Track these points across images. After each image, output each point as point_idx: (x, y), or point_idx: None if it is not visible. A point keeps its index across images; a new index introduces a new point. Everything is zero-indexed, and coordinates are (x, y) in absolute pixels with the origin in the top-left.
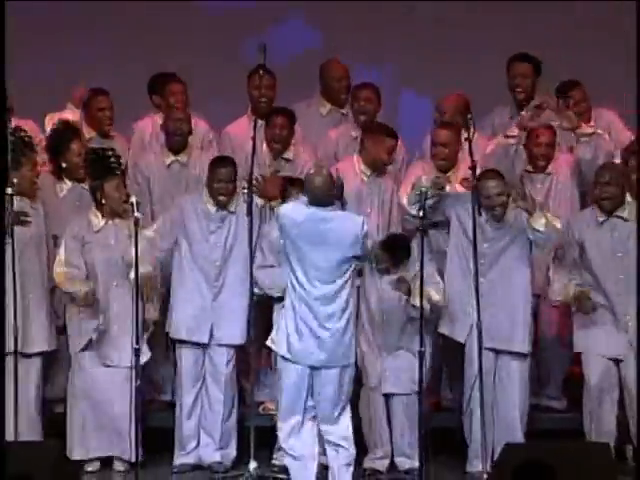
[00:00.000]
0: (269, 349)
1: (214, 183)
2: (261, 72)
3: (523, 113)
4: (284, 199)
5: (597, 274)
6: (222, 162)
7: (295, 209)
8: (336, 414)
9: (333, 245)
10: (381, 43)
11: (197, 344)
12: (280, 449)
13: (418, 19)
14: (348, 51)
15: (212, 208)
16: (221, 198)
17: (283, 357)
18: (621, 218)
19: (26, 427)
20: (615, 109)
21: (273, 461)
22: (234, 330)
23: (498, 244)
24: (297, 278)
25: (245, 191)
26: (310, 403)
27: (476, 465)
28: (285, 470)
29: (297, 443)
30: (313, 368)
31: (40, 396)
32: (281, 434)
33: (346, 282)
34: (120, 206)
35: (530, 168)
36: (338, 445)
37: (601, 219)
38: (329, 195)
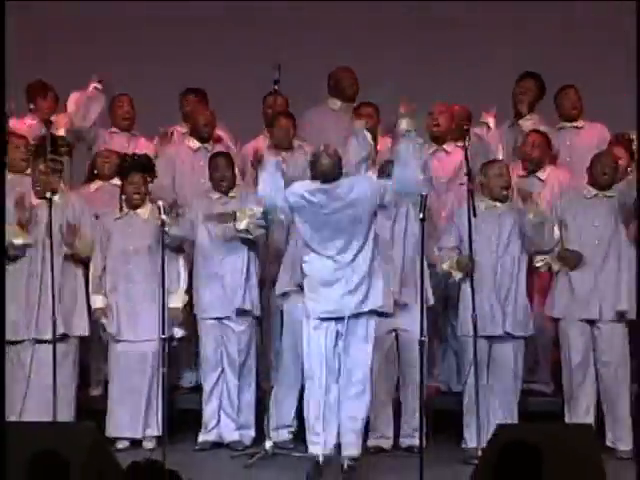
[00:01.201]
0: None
1: (215, 173)
2: (276, 87)
3: None
4: None
5: (577, 244)
6: (219, 155)
7: (304, 185)
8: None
9: (345, 209)
10: (384, 62)
11: (218, 329)
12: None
13: (419, 34)
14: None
15: (215, 195)
16: (223, 184)
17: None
18: (607, 196)
19: (61, 410)
20: (604, 123)
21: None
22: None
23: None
24: (315, 247)
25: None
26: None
27: (472, 443)
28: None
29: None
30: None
31: (75, 379)
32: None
33: (365, 243)
34: (132, 197)
35: (522, 172)
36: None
37: (589, 196)
38: (336, 172)
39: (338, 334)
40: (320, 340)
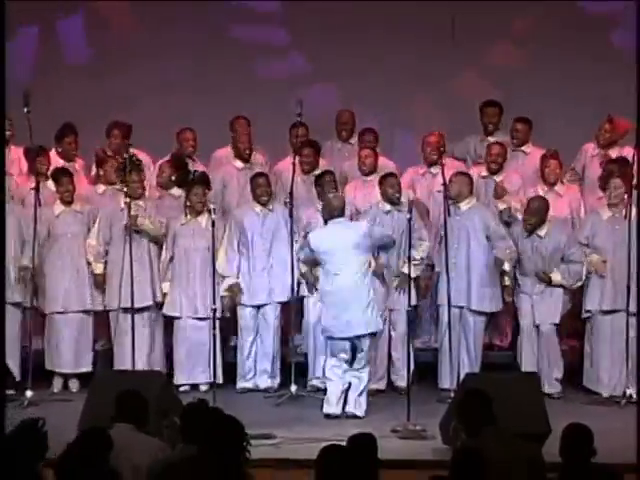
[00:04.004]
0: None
1: (257, 189)
2: (298, 127)
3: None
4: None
5: (523, 271)
6: (259, 175)
7: (318, 233)
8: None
9: (346, 248)
10: (382, 99)
11: (253, 305)
12: (312, 379)
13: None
14: (358, 104)
15: (257, 208)
16: (263, 199)
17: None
18: (539, 236)
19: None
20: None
21: (309, 383)
22: (282, 291)
23: (464, 224)
24: (329, 276)
25: (287, 204)
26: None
27: (447, 386)
28: (316, 391)
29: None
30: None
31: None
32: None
33: (364, 272)
34: (197, 205)
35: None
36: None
37: (524, 235)
38: (342, 211)
39: None
40: None
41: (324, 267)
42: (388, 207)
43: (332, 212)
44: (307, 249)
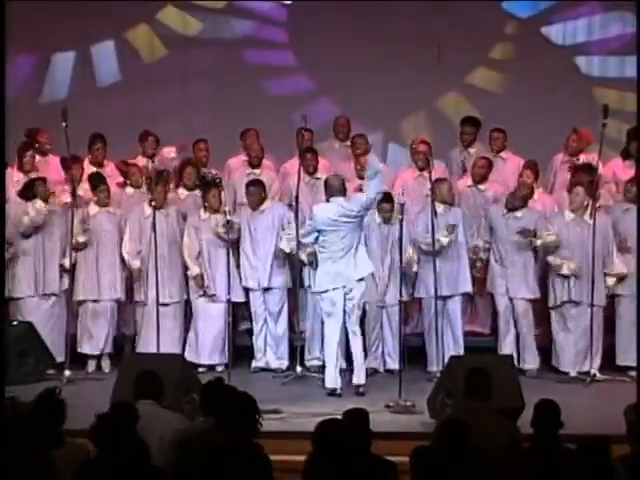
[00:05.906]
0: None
1: (248, 196)
2: (303, 132)
3: None
4: None
5: (500, 245)
6: (252, 183)
7: (322, 206)
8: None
9: (344, 217)
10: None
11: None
12: (312, 359)
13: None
14: (355, 117)
15: (248, 211)
16: (252, 203)
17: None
18: (516, 218)
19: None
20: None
21: (306, 363)
22: (281, 278)
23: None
24: (327, 242)
25: (294, 203)
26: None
27: (433, 368)
28: (315, 371)
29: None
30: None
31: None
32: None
33: (359, 238)
34: (215, 206)
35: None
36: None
37: (503, 213)
38: (342, 191)
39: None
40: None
41: (323, 234)
42: (379, 220)
43: (332, 192)
44: (311, 226)
